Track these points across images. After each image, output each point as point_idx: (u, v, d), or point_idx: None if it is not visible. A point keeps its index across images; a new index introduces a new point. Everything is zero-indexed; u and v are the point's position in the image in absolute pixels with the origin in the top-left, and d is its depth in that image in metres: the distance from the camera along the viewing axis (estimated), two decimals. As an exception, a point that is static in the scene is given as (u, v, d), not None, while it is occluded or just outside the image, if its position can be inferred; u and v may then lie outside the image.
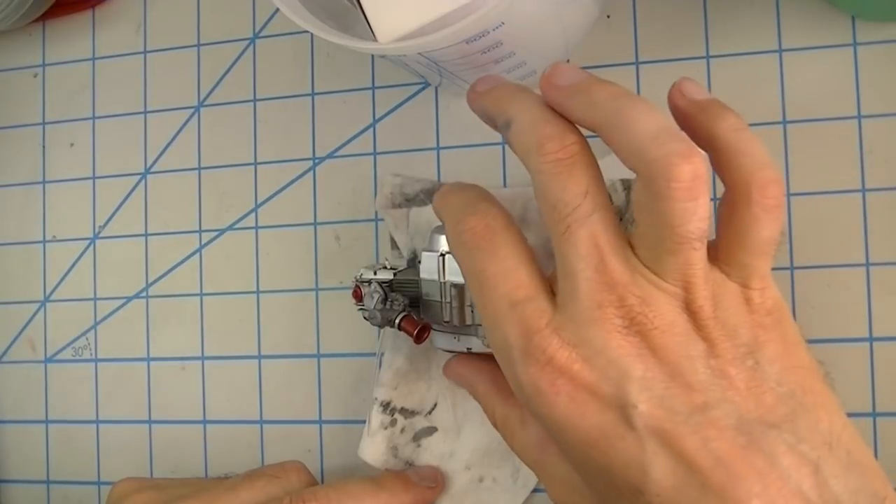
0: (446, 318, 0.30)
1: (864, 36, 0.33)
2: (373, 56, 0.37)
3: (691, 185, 0.23)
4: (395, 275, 0.33)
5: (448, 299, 0.30)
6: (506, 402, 0.30)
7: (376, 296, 0.32)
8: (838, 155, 0.32)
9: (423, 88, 0.37)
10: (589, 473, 0.24)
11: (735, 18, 0.34)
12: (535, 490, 0.34)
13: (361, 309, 0.33)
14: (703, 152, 0.24)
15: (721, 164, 0.24)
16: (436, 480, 0.34)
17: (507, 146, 0.33)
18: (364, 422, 0.35)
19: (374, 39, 0.27)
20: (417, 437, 0.34)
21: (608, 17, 0.35)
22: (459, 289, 0.30)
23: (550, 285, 0.25)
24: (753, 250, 0.24)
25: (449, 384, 0.34)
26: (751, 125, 0.33)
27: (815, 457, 0.22)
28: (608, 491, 0.24)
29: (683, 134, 0.23)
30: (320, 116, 0.38)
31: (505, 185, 0.36)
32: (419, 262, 0.31)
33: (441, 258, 0.30)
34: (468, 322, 0.30)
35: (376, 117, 0.38)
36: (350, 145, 0.38)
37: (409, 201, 0.36)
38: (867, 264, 0.32)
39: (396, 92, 0.37)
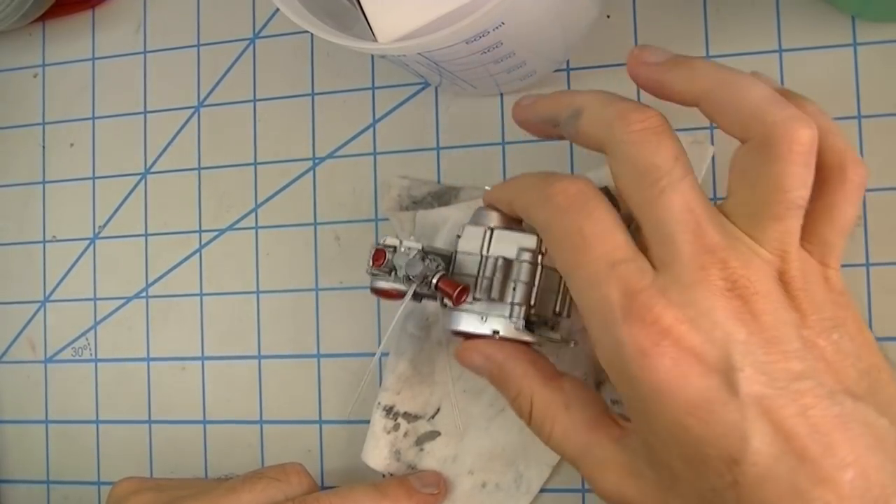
0: (478, 295, 0.29)
1: (864, 36, 0.33)
2: (373, 56, 0.37)
3: (809, 150, 0.24)
4: (422, 247, 0.30)
5: (489, 274, 0.29)
6: (547, 385, 0.28)
7: (414, 252, 0.29)
8: (838, 155, 0.32)
9: (423, 88, 0.37)
10: (676, 447, 0.23)
11: (735, 18, 0.34)
12: (542, 490, 0.34)
13: (379, 275, 0.30)
14: None
15: None
16: (438, 486, 0.33)
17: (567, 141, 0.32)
18: (364, 422, 0.35)
19: (374, 39, 0.27)
20: (420, 442, 0.34)
21: (608, 17, 0.35)
22: (507, 263, 0.28)
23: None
24: (839, 228, 0.25)
25: (452, 388, 0.34)
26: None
27: None
28: (691, 467, 0.23)
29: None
30: (320, 116, 0.38)
31: (505, 185, 0.36)
32: (458, 236, 0.30)
33: (489, 231, 0.29)
34: (508, 299, 0.28)
35: (376, 117, 0.38)
36: (350, 145, 0.38)
37: (417, 204, 0.36)
38: (867, 264, 0.32)
39: (396, 92, 0.37)
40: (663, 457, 0.24)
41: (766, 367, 0.23)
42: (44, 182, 0.42)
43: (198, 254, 0.39)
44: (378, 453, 0.34)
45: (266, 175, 0.39)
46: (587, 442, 0.27)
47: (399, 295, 0.30)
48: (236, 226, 0.39)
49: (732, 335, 0.23)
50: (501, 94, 0.36)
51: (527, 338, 0.29)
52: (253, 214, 0.39)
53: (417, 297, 0.30)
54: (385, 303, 0.37)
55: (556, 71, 0.35)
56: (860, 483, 0.21)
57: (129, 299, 0.40)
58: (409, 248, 0.30)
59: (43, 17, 0.42)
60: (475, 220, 0.30)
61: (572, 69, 0.35)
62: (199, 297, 0.39)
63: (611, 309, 0.24)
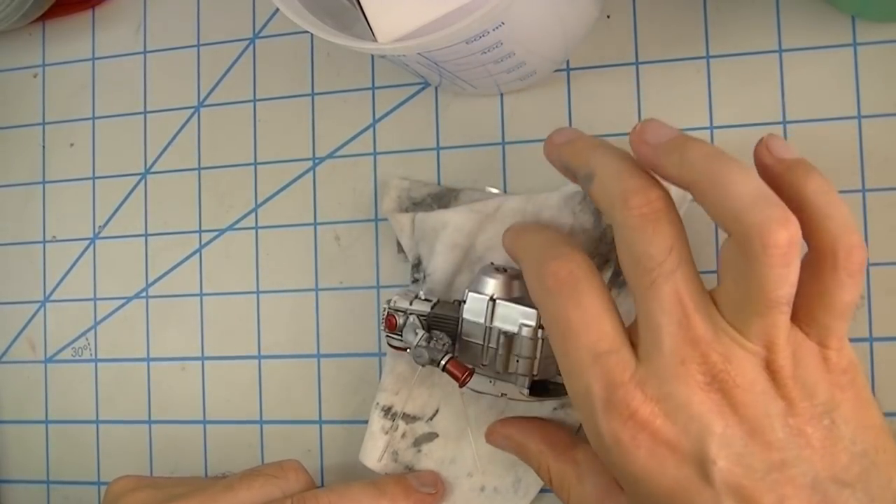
0: (485, 363, 0.30)
1: (864, 36, 0.33)
2: (373, 56, 0.37)
3: (787, 252, 0.23)
4: (431, 308, 0.32)
5: (493, 345, 0.30)
6: (560, 458, 0.30)
7: (420, 333, 0.31)
8: (838, 155, 0.32)
9: (423, 88, 0.37)
10: None
11: (735, 18, 0.34)
12: (542, 490, 0.34)
13: (393, 338, 0.33)
14: (796, 219, 0.24)
15: (808, 225, 0.25)
16: (436, 486, 0.34)
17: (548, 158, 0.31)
18: (364, 422, 0.35)
19: (374, 39, 0.27)
20: (418, 443, 0.34)
21: (608, 17, 0.35)
22: (509, 337, 0.30)
23: (630, 336, 0.26)
24: (835, 313, 0.25)
25: (451, 390, 0.34)
26: (751, 125, 0.33)
27: None
28: None
29: (779, 200, 0.24)
30: (320, 116, 0.38)
31: (505, 186, 0.36)
32: (462, 302, 0.31)
33: (491, 303, 0.30)
34: (511, 370, 0.30)
35: (376, 117, 0.38)
36: (350, 145, 0.38)
37: (417, 205, 0.36)
38: (867, 264, 0.32)
39: (396, 92, 0.37)
40: None
41: (743, 458, 0.23)
42: (44, 182, 0.42)
43: (198, 254, 0.39)
44: (376, 454, 0.34)
45: (266, 175, 0.39)
46: None
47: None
48: (236, 226, 0.39)
49: (708, 427, 0.24)
50: (501, 94, 0.36)
51: (531, 401, 0.31)
52: (253, 214, 0.39)
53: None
54: (385, 304, 0.37)
55: (556, 71, 0.35)
56: None
57: (129, 299, 0.40)
58: (418, 319, 0.32)
59: (43, 17, 0.42)
60: (477, 286, 0.31)
61: (572, 69, 0.35)
62: (199, 297, 0.39)
63: (592, 400, 0.25)
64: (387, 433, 0.34)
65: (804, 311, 0.25)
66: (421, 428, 0.34)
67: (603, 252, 0.32)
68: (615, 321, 0.26)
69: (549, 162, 0.30)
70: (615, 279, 0.32)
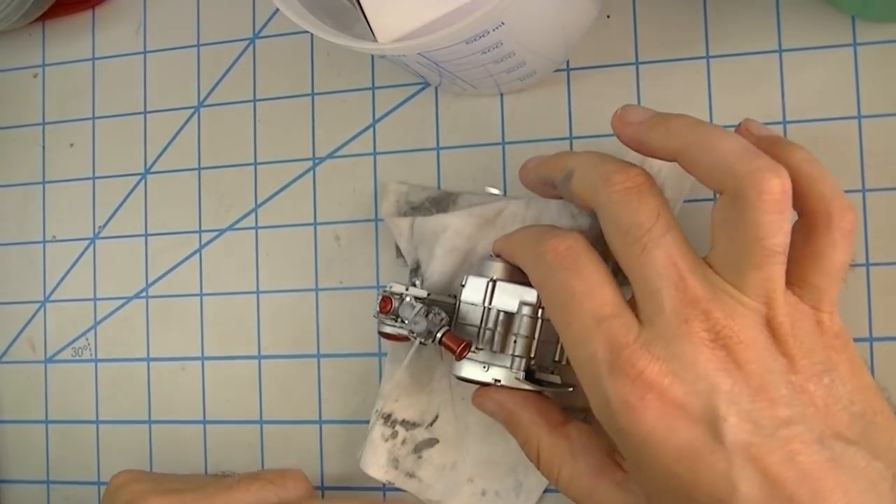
0: (481, 346, 0.30)
1: (864, 36, 0.33)
2: (373, 56, 0.37)
3: (780, 199, 0.24)
4: (428, 294, 0.32)
5: (491, 326, 0.30)
6: (553, 432, 0.29)
7: (419, 306, 0.31)
8: (838, 155, 0.32)
9: (423, 88, 0.37)
10: (669, 493, 0.24)
11: (735, 18, 0.34)
12: (545, 490, 0.34)
13: (386, 322, 0.32)
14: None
15: (798, 191, 0.25)
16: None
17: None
18: (364, 421, 0.35)
19: (374, 39, 0.27)
20: (419, 449, 0.34)
21: (608, 17, 0.35)
22: (508, 317, 0.30)
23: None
24: (829, 274, 0.26)
25: (450, 396, 0.34)
26: (751, 125, 0.33)
27: (892, 474, 0.23)
28: None
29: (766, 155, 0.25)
30: (320, 116, 0.38)
31: (505, 186, 0.36)
32: (462, 285, 0.31)
33: (491, 283, 0.30)
34: (508, 351, 0.30)
35: (376, 117, 0.38)
36: (350, 145, 0.38)
37: (415, 209, 0.36)
38: (867, 264, 0.32)
39: (396, 92, 0.37)
40: (659, 501, 0.25)
41: (751, 414, 0.23)
42: (44, 182, 0.42)
43: (198, 254, 0.39)
44: (376, 461, 0.34)
45: (266, 175, 0.39)
46: (591, 487, 0.28)
47: (404, 339, 0.32)
48: (236, 226, 0.39)
49: (716, 385, 0.23)
50: (501, 94, 0.36)
51: (526, 387, 0.30)
52: (253, 214, 0.39)
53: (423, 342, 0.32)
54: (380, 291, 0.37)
55: (556, 71, 0.35)
56: None
57: (129, 299, 0.40)
58: (415, 299, 0.31)
59: (43, 17, 0.42)
60: (479, 270, 0.31)
61: (572, 69, 0.35)
62: (199, 297, 0.39)
63: (597, 365, 0.25)
64: (387, 440, 0.34)
65: (797, 275, 0.26)
66: (421, 434, 0.34)
67: (600, 252, 0.32)
68: (616, 290, 0.26)
69: (525, 187, 0.32)
70: (615, 277, 0.32)
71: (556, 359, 0.31)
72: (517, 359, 0.29)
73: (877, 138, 0.32)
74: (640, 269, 0.25)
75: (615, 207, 0.26)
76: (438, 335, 0.30)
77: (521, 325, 0.29)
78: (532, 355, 0.29)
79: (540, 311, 0.30)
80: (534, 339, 0.29)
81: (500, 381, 0.30)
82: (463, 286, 0.31)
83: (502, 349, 0.30)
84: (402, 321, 0.31)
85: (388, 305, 0.32)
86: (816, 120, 0.33)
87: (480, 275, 0.31)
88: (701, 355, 0.24)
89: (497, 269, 0.31)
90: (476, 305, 0.30)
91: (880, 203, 0.32)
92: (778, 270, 0.24)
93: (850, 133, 0.32)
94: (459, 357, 0.30)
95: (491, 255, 0.32)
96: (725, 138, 0.25)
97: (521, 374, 0.29)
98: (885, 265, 0.32)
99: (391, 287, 0.32)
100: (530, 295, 0.30)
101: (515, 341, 0.29)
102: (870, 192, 0.32)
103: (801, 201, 0.26)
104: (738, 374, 0.24)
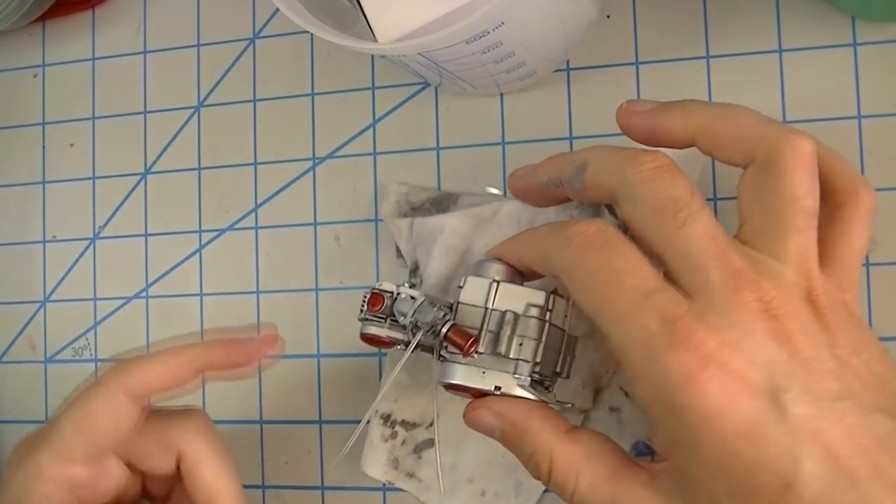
0: (481, 350, 0.28)
1: (864, 36, 0.32)
2: (373, 56, 0.37)
3: (813, 160, 0.24)
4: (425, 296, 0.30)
5: (493, 328, 0.28)
6: (565, 439, 0.26)
7: (421, 298, 0.29)
8: (838, 155, 0.32)
9: (423, 88, 0.37)
10: (726, 477, 0.22)
11: (735, 18, 0.34)
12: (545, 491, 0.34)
13: (373, 320, 0.30)
14: None
15: (821, 171, 0.25)
16: (269, 342, 0.32)
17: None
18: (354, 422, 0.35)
19: (374, 39, 0.27)
20: (418, 449, 0.34)
21: (608, 17, 0.35)
22: (514, 318, 0.28)
23: None
24: (856, 251, 0.26)
25: (451, 397, 0.34)
26: (751, 125, 0.33)
27: None
28: (740, 499, 0.22)
29: None
30: (320, 116, 0.38)
31: (505, 186, 0.36)
32: (459, 286, 0.29)
33: (495, 284, 0.28)
34: (513, 355, 0.27)
35: (376, 117, 0.38)
36: (350, 145, 0.38)
37: (415, 210, 0.36)
38: (867, 264, 0.32)
39: (396, 92, 0.37)
40: (708, 492, 0.23)
41: (808, 386, 0.22)
42: (44, 182, 0.42)
43: (198, 254, 0.39)
44: (376, 461, 0.34)
45: (266, 175, 0.39)
46: (615, 491, 0.25)
47: (391, 342, 0.30)
48: (236, 226, 0.39)
49: (775, 356, 0.23)
50: (501, 94, 0.36)
51: (529, 395, 0.28)
52: (253, 214, 0.39)
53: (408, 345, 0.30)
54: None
55: (556, 71, 0.35)
56: None
57: (129, 299, 0.40)
58: (409, 297, 0.29)
59: (43, 17, 0.42)
60: (478, 271, 0.29)
61: (572, 69, 0.35)
62: (199, 297, 0.39)
63: (652, 338, 0.23)
64: (387, 441, 0.34)
65: (826, 252, 0.25)
66: (421, 434, 0.34)
67: None
68: (654, 269, 0.25)
69: (517, 194, 0.31)
70: None
71: (558, 369, 0.29)
72: (522, 363, 0.27)
73: (877, 138, 0.32)
74: (680, 243, 0.24)
75: (648, 185, 0.25)
76: (444, 330, 0.28)
77: (529, 327, 0.27)
78: (538, 360, 0.28)
79: (548, 314, 0.28)
80: (541, 342, 0.27)
81: (500, 388, 0.27)
82: (461, 287, 0.29)
83: (507, 352, 0.27)
84: (399, 316, 0.29)
85: (379, 302, 0.30)
86: (816, 120, 0.33)
87: (480, 275, 0.29)
88: (758, 325, 0.23)
89: (498, 270, 0.29)
90: (476, 307, 0.28)
91: (880, 203, 0.32)
92: (813, 237, 0.24)
93: (850, 133, 0.32)
94: (467, 353, 0.27)
95: (486, 258, 0.30)
96: (744, 110, 0.26)
97: (527, 380, 0.27)
98: (885, 265, 0.32)
99: (381, 285, 0.30)
100: (537, 297, 0.28)
101: (521, 344, 0.27)
102: (870, 192, 0.32)
103: (825, 181, 0.25)
104: (790, 346, 0.23)
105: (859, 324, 0.25)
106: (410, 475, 0.34)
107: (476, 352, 0.28)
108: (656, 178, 0.25)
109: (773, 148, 0.24)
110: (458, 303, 0.29)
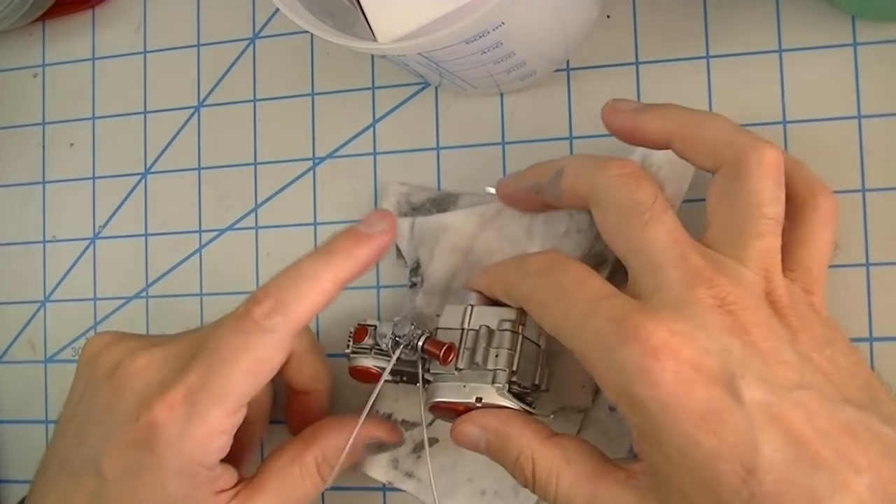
0: (460, 366, 0.29)
1: (864, 36, 0.32)
2: (373, 56, 0.37)
3: (779, 169, 0.25)
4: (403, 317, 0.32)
5: (470, 345, 0.29)
6: (546, 443, 0.27)
7: (400, 317, 0.31)
8: (838, 155, 0.32)
9: (423, 88, 0.37)
10: (688, 468, 0.23)
11: (735, 18, 0.34)
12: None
13: (357, 352, 0.32)
14: None
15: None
16: (386, 221, 0.31)
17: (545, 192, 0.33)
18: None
19: (374, 39, 0.27)
20: (418, 449, 0.34)
21: (608, 17, 0.35)
22: (488, 332, 0.29)
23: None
24: (818, 255, 0.27)
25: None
26: (751, 125, 0.33)
27: None
28: (705, 490, 0.22)
29: None
30: (320, 116, 0.38)
31: (505, 185, 0.36)
32: (438, 315, 0.31)
33: (469, 308, 0.30)
34: (490, 366, 0.29)
35: (376, 117, 0.38)
36: (350, 145, 0.38)
37: (416, 210, 0.36)
38: (867, 264, 0.32)
39: (396, 92, 0.37)
40: (676, 485, 0.23)
41: (765, 374, 0.23)
42: (44, 182, 0.42)
43: (198, 254, 0.39)
44: (376, 462, 0.34)
45: (266, 175, 0.39)
46: (594, 492, 0.26)
47: (378, 374, 0.32)
48: (236, 226, 0.39)
49: (729, 345, 0.23)
50: (501, 94, 0.36)
51: (510, 404, 0.28)
52: (253, 214, 0.39)
53: (398, 375, 0.32)
54: (385, 304, 0.37)
55: (557, 71, 0.35)
56: (878, 488, 0.21)
57: (129, 299, 0.40)
58: (387, 324, 0.31)
59: (43, 17, 0.42)
60: (455, 300, 0.31)
61: (572, 69, 0.35)
62: (199, 298, 0.39)
63: (604, 336, 0.24)
64: None
65: (789, 256, 0.26)
66: (421, 434, 0.34)
67: (599, 251, 0.32)
68: (605, 281, 0.26)
69: (504, 201, 0.33)
70: (612, 277, 0.32)
71: (537, 382, 0.30)
72: (500, 372, 0.29)
73: (877, 138, 0.32)
74: (642, 244, 0.25)
75: (614, 190, 0.26)
76: (420, 343, 0.30)
77: (503, 339, 0.29)
78: (514, 369, 0.29)
79: (521, 327, 0.29)
80: (515, 352, 0.29)
81: (481, 398, 0.28)
82: (440, 316, 0.31)
83: (485, 362, 0.29)
84: (380, 339, 0.31)
85: (363, 334, 0.32)
86: (816, 120, 0.33)
87: (457, 303, 0.31)
88: (710, 317, 0.23)
89: (473, 297, 0.30)
90: (454, 329, 0.30)
91: (880, 203, 0.32)
92: (776, 243, 0.25)
93: (850, 133, 0.32)
94: (444, 361, 0.29)
95: (463, 289, 0.31)
96: (717, 117, 0.27)
97: (505, 388, 0.28)
98: (885, 265, 0.32)
99: (365, 320, 0.33)
100: (509, 313, 0.29)
101: (497, 355, 0.29)
102: (870, 192, 0.32)
103: (786, 186, 0.26)
104: (747, 338, 0.23)
105: (826, 323, 0.26)
106: (410, 475, 0.34)
107: (456, 367, 0.29)
108: (622, 183, 0.26)
109: (739, 155, 0.25)
110: (438, 329, 0.30)
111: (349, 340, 0.32)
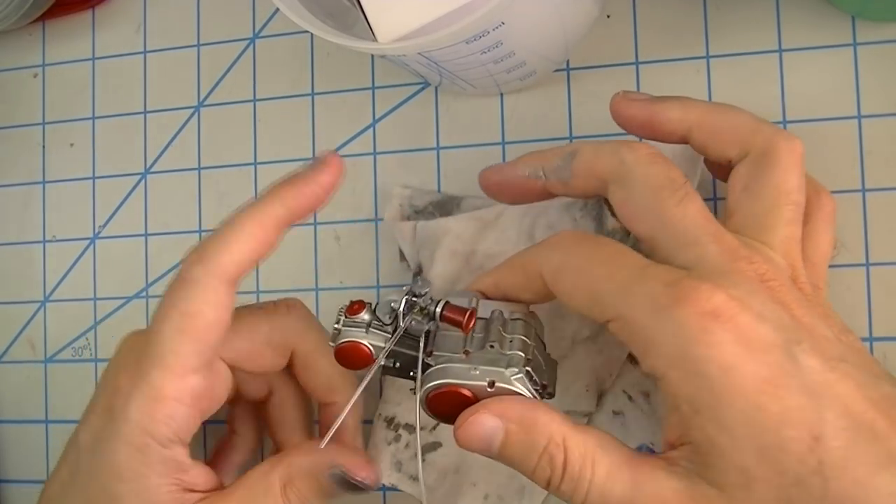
0: (469, 348, 0.26)
1: (864, 36, 0.32)
2: (373, 56, 0.37)
3: (803, 159, 0.26)
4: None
5: (480, 333, 0.27)
6: (577, 429, 0.24)
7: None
8: (838, 155, 0.32)
9: (423, 88, 0.37)
10: (751, 438, 0.21)
11: (735, 18, 0.34)
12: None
13: (348, 326, 0.28)
14: None
15: None
16: (328, 164, 0.29)
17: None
18: (367, 421, 0.35)
19: (374, 39, 0.27)
20: (422, 453, 0.34)
21: (608, 17, 0.35)
22: (502, 314, 0.28)
23: None
24: (822, 252, 0.27)
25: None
26: (751, 125, 0.33)
27: None
28: (768, 459, 0.21)
29: None
30: (320, 116, 0.38)
31: (505, 185, 0.36)
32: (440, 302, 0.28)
33: (475, 299, 0.28)
34: (505, 349, 0.26)
35: (376, 117, 0.38)
36: (350, 145, 0.38)
37: (419, 213, 0.36)
38: (867, 264, 0.32)
39: (396, 92, 0.37)
40: (732, 459, 0.22)
41: (816, 346, 0.23)
42: (44, 182, 0.42)
43: (198, 254, 0.39)
44: (380, 465, 0.34)
45: (266, 175, 0.39)
46: (635, 479, 0.23)
47: (369, 356, 0.28)
48: (236, 226, 0.39)
49: (781, 314, 0.23)
50: (501, 94, 0.36)
51: (526, 392, 0.25)
52: (253, 214, 0.39)
53: (392, 359, 0.28)
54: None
55: (556, 71, 0.35)
56: None
57: (129, 299, 0.40)
58: (392, 301, 0.28)
59: (43, 17, 0.42)
60: (458, 302, 0.28)
61: (572, 69, 0.35)
62: (199, 297, 0.39)
63: (658, 298, 0.23)
64: (390, 444, 0.34)
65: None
66: (424, 437, 0.34)
67: None
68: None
69: (488, 190, 0.31)
70: None
71: (545, 382, 0.27)
72: (515, 356, 0.26)
73: (877, 138, 0.32)
74: (678, 219, 0.25)
75: (647, 167, 0.26)
76: (438, 309, 0.27)
77: (516, 327, 0.27)
78: (529, 357, 0.26)
79: (533, 319, 0.28)
80: (530, 340, 0.27)
81: (494, 381, 0.25)
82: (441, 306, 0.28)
83: (500, 346, 0.26)
84: (386, 309, 0.28)
85: (361, 307, 0.28)
86: (816, 120, 0.33)
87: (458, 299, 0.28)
88: (756, 286, 0.23)
89: (475, 296, 0.28)
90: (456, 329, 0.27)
91: (880, 203, 0.32)
92: (799, 231, 0.25)
93: (850, 133, 0.32)
94: (466, 328, 0.26)
95: (463, 291, 0.29)
96: (739, 108, 0.27)
97: (523, 372, 0.25)
98: (885, 265, 0.32)
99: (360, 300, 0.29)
100: (518, 306, 0.28)
101: (511, 341, 0.26)
102: (869, 192, 0.32)
103: None
104: (791, 311, 0.23)
105: (836, 316, 0.26)
106: (413, 478, 0.34)
107: (464, 350, 0.26)
108: (655, 161, 0.26)
109: (769, 142, 0.26)
110: (439, 329, 0.28)
111: (340, 315, 0.28)
